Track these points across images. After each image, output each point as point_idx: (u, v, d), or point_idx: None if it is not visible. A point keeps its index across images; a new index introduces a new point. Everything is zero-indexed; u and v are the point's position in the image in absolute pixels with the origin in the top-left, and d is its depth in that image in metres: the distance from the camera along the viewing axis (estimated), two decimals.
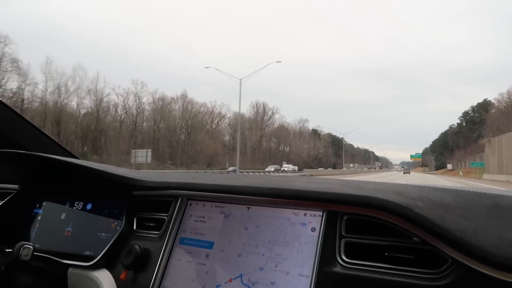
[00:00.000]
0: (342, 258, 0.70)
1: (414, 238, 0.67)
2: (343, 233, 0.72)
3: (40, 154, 1.05)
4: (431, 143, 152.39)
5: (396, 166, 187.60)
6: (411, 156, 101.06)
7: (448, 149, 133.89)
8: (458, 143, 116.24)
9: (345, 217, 0.74)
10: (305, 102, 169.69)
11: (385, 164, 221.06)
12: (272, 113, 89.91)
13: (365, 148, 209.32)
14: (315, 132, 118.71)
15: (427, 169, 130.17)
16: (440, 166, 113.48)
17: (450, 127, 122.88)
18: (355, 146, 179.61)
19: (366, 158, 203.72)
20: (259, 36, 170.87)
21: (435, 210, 0.65)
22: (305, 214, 0.77)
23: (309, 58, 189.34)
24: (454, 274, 0.60)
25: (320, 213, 0.76)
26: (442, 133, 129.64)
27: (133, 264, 0.85)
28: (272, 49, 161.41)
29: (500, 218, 0.63)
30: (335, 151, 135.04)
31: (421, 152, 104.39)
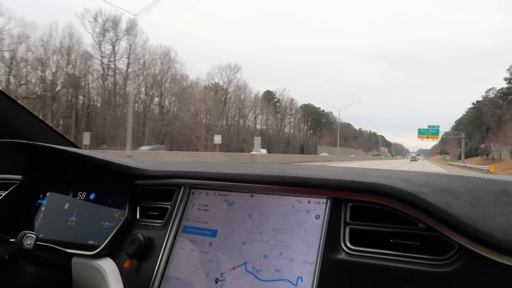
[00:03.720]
0: (347, 245, 0.69)
1: (420, 225, 0.66)
2: (348, 220, 0.72)
3: (42, 144, 1.06)
4: (453, 123, 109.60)
5: (412, 154, 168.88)
6: (419, 132, 56.00)
7: (481, 127, 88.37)
8: (500, 117, 71.22)
9: (349, 204, 0.73)
10: (318, 87, 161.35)
11: (399, 152, 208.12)
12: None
13: (372, 131, 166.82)
14: (268, 96, 79.25)
15: (448, 158, 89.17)
16: (470, 153, 72.01)
17: (487, 92, 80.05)
18: (357, 128, 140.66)
19: (373, 143, 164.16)
20: (270, 19, 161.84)
21: (442, 196, 0.64)
22: (309, 202, 0.76)
23: (323, 41, 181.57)
24: (460, 261, 0.60)
25: (325, 200, 0.75)
26: (472, 104, 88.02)
27: (137, 253, 0.85)
28: (284, 32, 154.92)
29: (507, 204, 0.62)
30: (312, 129, 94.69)
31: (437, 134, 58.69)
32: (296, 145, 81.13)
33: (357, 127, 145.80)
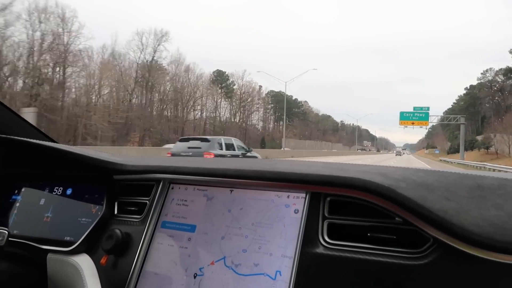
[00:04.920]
0: (325, 239, 0.70)
1: (396, 219, 0.67)
2: (326, 215, 0.72)
3: (18, 138, 1.04)
4: (442, 114, 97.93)
5: (398, 148, 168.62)
6: (402, 117, 39.56)
7: (475, 117, 76.01)
8: (500, 102, 59.72)
9: (328, 199, 0.73)
10: (305, 82, 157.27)
11: (384, 146, 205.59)
12: None
13: (356, 125, 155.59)
14: (219, 78, 66.08)
15: (437, 152, 77.33)
16: (464, 146, 60.06)
17: (483, 74, 68.06)
18: (339, 120, 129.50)
19: (356, 137, 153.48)
20: (258, 11, 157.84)
21: (418, 191, 0.65)
22: (288, 196, 0.77)
23: (311, 34, 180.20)
24: (435, 253, 0.61)
25: (303, 194, 0.75)
26: (465, 89, 76.16)
27: (114, 249, 0.84)
28: (272, 24, 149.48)
29: (481, 198, 0.63)
30: (282, 119, 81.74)
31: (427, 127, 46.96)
32: (258, 137, 68.08)
33: (339, 120, 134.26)
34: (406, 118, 38.92)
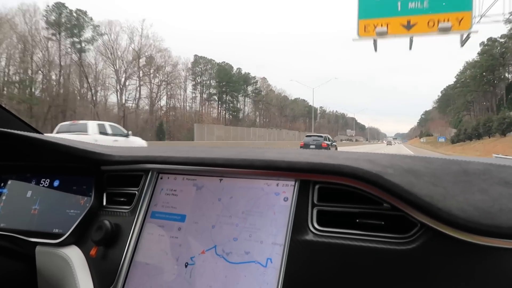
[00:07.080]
0: (314, 226, 0.70)
1: (384, 204, 0.67)
2: (315, 202, 0.73)
3: (1, 129, 1.03)
4: (439, 93, 75.97)
5: (389, 138, 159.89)
6: (361, 13, 10.70)
7: (496, 85, 51.30)
8: None
9: (317, 186, 0.74)
10: (292, 71, 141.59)
11: (374, 136, 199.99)
12: None
13: (340, 112, 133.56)
14: (66, 20, 42.23)
15: (443, 140, 54.74)
16: (485, 131, 37.93)
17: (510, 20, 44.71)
18: (318, 107, 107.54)
19: (341, 126, 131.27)
20: (247, 5, 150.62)
21: (405, 177, 0.65)
22: (277, 184, 0.77)
23: (297, 26, 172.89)
24: (422, 238, 0.62)
25: (293, 182, 0.76)
26: (480, 46, 54.04)
27: (103, 240, 0.84)
28: (262, 17, 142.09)
29: (467, 183, 0.64)
30: (220, 99, 59.55)
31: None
32: (180, 124, 44.87)
33: (327, 110, 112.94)
34: (380, 11, 11.37)
